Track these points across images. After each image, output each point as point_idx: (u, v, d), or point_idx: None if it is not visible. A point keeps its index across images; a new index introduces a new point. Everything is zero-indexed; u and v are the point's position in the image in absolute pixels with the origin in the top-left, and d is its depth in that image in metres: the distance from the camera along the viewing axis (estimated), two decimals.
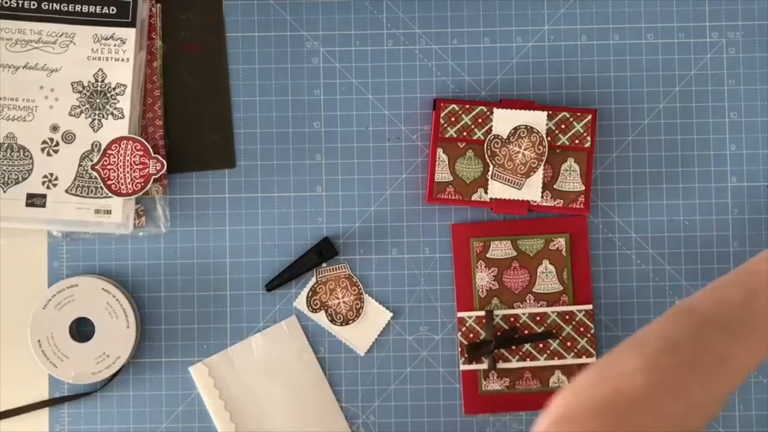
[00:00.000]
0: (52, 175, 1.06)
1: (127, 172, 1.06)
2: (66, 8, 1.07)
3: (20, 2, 1.07)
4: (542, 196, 1.07)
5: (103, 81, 1.07)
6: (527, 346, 1.07)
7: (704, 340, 0.81)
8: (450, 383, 1.08)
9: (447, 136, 1.07)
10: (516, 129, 1.07)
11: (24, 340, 1.05)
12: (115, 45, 1.07)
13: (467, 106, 1.07)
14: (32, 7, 1.07)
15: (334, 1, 1.10)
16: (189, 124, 1.09)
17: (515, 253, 1.08)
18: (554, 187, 1.07)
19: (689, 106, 1.10)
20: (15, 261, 1.08)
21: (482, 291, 1.08)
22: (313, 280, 1.08)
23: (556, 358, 1.07)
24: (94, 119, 1.07)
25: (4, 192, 1.06)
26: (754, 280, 0.87)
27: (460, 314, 1.08)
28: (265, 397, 1.07)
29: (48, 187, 1.06)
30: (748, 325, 0.83)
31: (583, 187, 1.07)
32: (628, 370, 0.78)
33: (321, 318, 1.08)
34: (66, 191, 1.06)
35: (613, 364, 0.80)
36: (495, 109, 1.07)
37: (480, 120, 1.07)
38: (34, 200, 1.06)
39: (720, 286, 0.87)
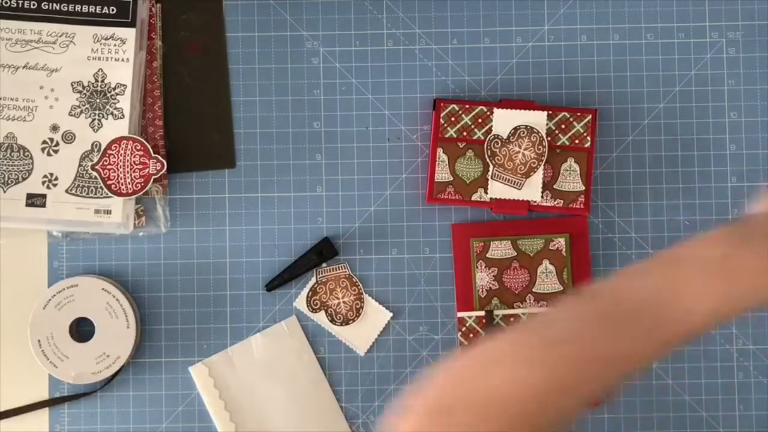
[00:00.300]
0: (52, 175, 1.06)
1: (127, 172, 1.06)
2: (66, 8, 1.07)
3: (20, 2, 1.07)
4: (542, 196, 1.07)
5: (103, 81, 1.07)
6: None
7: (601, 336, 0.77)
8: None
9: (447, 136, 1.07)
10: (516, 129, 1.07)
11: (24, 340, 1.05)
12: (115, 45, 1.07)
13: (467, 106, 1.07)
14: (32, 7, 1.07)
15: (334, 1, 1.10)
16: (189, 124, 1.09)
17: (515, 253, 1.08)
18: (554, 187, 1.07)
19: (689, 106, 1.10)
20: (15, 261, 1.08)
21: (482, 291, 1.08)
22: (313, 280, 1.08)
23: None
24: (94, 119, 1.07)
25: (4, 192, 1.06)
26: (672, 273, 0.81)
27: (460, 314, 1.08)
28: (265, 397, 1.07)
29: (48, 187, 1.06)
30: (652, 324, 0.79)
31: (583, 187, 1.07)
32: (516, 363, 0.75)
33: (321, 318, 1.08)
34: (66, 191, 1.06)
35: (500, 353, 0.76)
36: (495, 109, 1.07)
37: (480, 120, 1.07)
38: (34, 200, 1.06)
39: (638, 273, 0.81)
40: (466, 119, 1.07)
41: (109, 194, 1.06)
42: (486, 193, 1.07)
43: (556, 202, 1.07)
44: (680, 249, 0.82)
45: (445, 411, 0.74)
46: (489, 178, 1.07)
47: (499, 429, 0.73)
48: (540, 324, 0.79)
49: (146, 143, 1.06)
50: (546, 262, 1.08)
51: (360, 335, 1.08)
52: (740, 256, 0.80)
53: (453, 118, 1.07)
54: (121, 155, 1.06)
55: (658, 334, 0.79)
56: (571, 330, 0.78)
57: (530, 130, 1.07)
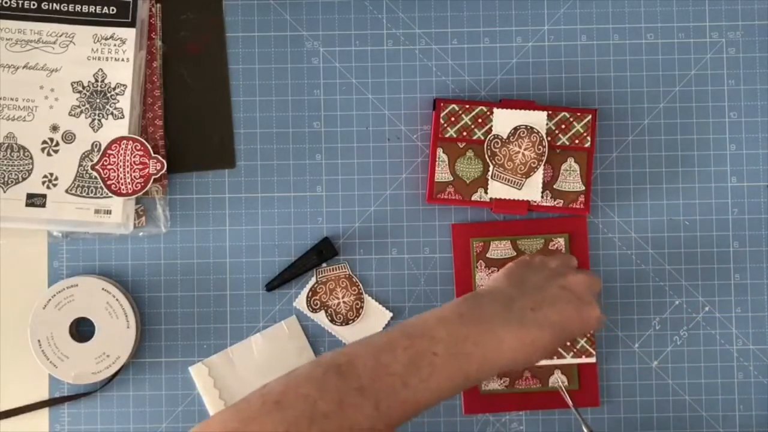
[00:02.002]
0: (52, 175, 1.06)
1: (127, 172, 1.06)
2: (66, 8, 1.07)
3: (20, 2, 1.07)
4: (542, 196, 1.07)
5: (103, 81, 1.07)
6: None
7: (349, 413, 0.80)
8: None
9: (447, 136, 1.07)
10: (516, 129, 1.07)
11: (24, 340, 1.05)
12: (115, 45, 1.07)
13: (467, 106, 1.07)
14: (32, 7, 1.07)
15: (334, 1, 1.10)
16: (189, 124, 1.09)
17: (515, 253, 1.08)
18: (554, 187, 1.07)
19: (689, 106, 1.10)
20: (15, 261, 1.08)
21: None
22: (313, 280, 1.08)
23: (555, 357, 1.07)
24: (94, 119, 1.07)
25: (4, 192, 1.06)
26: (419, 347, 0.85)
27: None
28: None
29: (48, 187, 1.06)
30: (398, 400, 0.82)
31: (583, 187, 1.07)
32: None
33: (321, 318, 1.08)
34: (66, 191, 1.06)
35: (254, 420, 0.78)
36: (495, 109, 1.07)
37: (480, 120, 1.07)
38: (34, 200, 1.06)
39: (387, 347, 0.85)
40: (466, 119, 1.07)
41: (109, 194, 1.06)
42: (486, 193, 1.07)
43: (556, 202, 1.07)
44: (419, 323, 0.88)
45: None
46: (489, 178, 1.07)
47: None
48: (297, 398, 0.80)
49: (146, 143, 1.06)
50: None
51: (360, 335, 1.08)
52: (468, 335, 0.87)
53: (453, 118, 1.07)
54: (121, 155, 1.06)
55: (404, 406, 0.83)
56: (331, 406, 0.80)
57: (530, 130, 1.07)
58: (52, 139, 1.06)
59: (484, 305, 0.90)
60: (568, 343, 1.07)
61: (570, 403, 1.04)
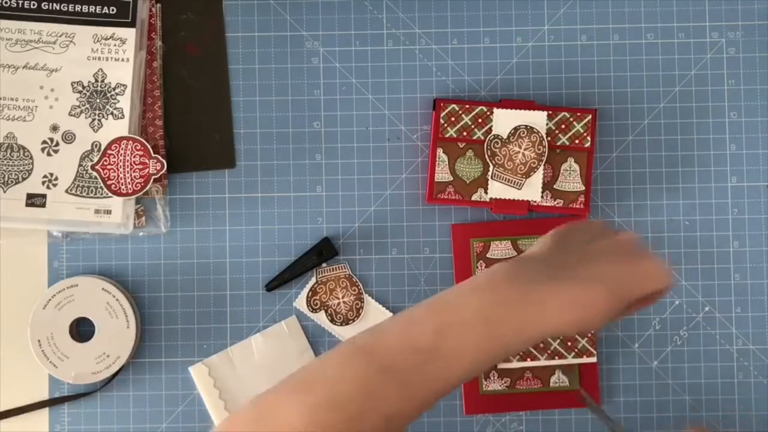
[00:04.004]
0: (52, 175, 1.06)
1: (127, 172, 1.06)
2: (66, 8, 1.07)
3: (20, 2, 1.07)
4: (542, 196, 1.07)
5: (103, 81, 1.07)
6: None
7: (374, 395, 0.75)
8: None
9: (447, 136, 1.07)
10: (516, 129, 1.07)
11: (24, 340, 1.05)
12: (115, 45, 1.07)
13: (467, 106, 1.07)
14: (32, 7, 1.07)
15: (334, 1, 1.10)
16: (189, 124, 1.09)
17: (515, 253, 1.08)
18: (554, 187, 1.07)
19: (689, 106, 1.10)
20: (15, 261, 1.08)
21: None
22: (313, 280, 1.08)
23: (556, 357, 1.07)
24: (94, 119, 1.07)
25: (4, 192, 1.06)
26: (446, 318, 0.78)
27: None
28: None
29: (48, 187, 1.06)
30: (425, 378, 0.77)
31: (583, 187, 1.07)
32: (287, 422, 0.74)
33: (321, 318, 1.08)
34: (66, 191, 1.06)
35: (274, 408, 0.75)
36: (495, 109, 1.07)
37: (480, 120, 1.07)
38: (34, 200, 1.06)
39: (411, 322, 0.79)
40: (466, 119, 1.07)
41: (109, 194, 1.06)
42: (486, 193, 1.07)
43: (556, 202, 1.07)
44: (448, 294, 0.80)
45: None
46: (489, 178, 1.07)
47: None
48: (318, 382, 0.76)
49: (146, 143, 1.06)
50: None
51: None
52: (504, 300, 0.79)
53: (453, 118, 1.07)
54: (121, 155, 1.06)
55: (432, 385, 0.77)
56: (354, 388, 0.75)
57: (530, 130, 1.07)
58: (52, 139, 1.06)
59: (522, 267, 0.81)
60: (569, 343, 1.07)
61: (595, 405, 1.04)
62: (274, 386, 0.77)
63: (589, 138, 1.07)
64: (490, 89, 1.10)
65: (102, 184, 1.06)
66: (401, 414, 0.76)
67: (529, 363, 1.07)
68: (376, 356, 0.77)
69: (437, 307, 0.79)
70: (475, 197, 1.07)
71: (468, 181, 1.07)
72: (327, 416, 0.74)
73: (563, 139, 1.07)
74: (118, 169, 1.06)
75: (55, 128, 1.07)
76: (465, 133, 1.07)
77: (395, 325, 0.79)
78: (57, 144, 1.06)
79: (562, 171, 1.07)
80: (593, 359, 1.07)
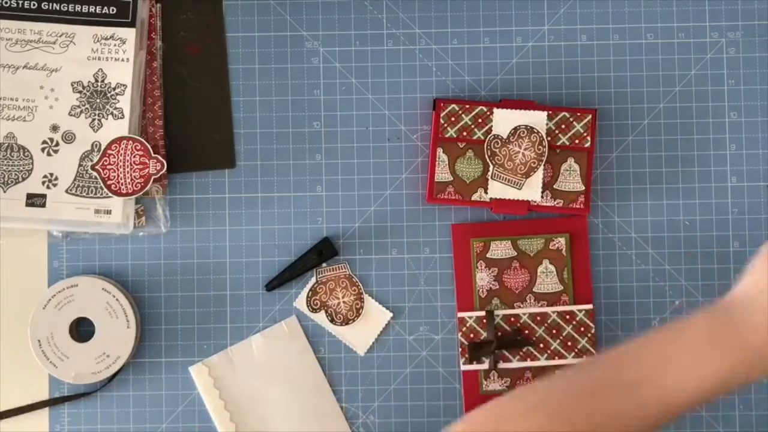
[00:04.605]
0: (52, 175, 1.06)
1: (127, 172, 1.06)
2: (66, 8, 1.07)
3: (20, 2, 1.07)
4: (542, 196, 1.07)
5: (103, 81, 1.07)
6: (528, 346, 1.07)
7: (604, 394, 0.80)
8: (450, 383, 1.08)
9: (447, 136, 1.07)
10: (516, 129, 1.07)
11: (24, 340, 1.05)
12: (115, 45, 1.07)
13: (467, 106, 1.07)
14: (32, 7, 1.07)
15: (334, 1, 1.10)
16: (189, 124, 1.09)
17: (515, 253, 1.08)
18: (554, 187, 1.07)
19: (689, 106, 1.10)
20: (15, 261, 1.08)
21: (482, 291, 1.08)
22: (313, 280, 1.08)
23: (556, 358, 1.07)
24: (94, 119, 1.07)
25: (4, 192, 1.06)
26: (663, 350, 0.82)
27: (460, 314, 1.08)
28: (265, 397, 1.07)
29: (48, 187, 1.06)
30: (645, 400, 0.80)
31: (583, 187, 1.07)
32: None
33: (321, 318, 1.08)
34: (66, 191, 1.06)
35: (511, 418, 0.78)
36: (495, 109, 1.07)
37: (480, 120, 1.07)
38: (34, 200, 1.06)
39: (635, 349, 0.83)
40: (466, 119, 1.07)
41: (109, 194, 1.06)
42: (486, 193, 1.07)
43: (556, 202, 1.07)
44: (672, 327, 0.83)
45: None
46: (489, 178, 1.07)
47: None
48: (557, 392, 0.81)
49: (146, 143, 1.06)
50: (546, 262, 1.08)
51: (360, 335, 1.08)
52: (729, 332, 0.81)
53: (453, 118, 1.07)
54: (121, 155, 1.06)
55: (649, 410, 0.80)
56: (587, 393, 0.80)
57: (530, 130, 1.07)
58: (52, 139, 1.06)
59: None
60: (569, 343, 1.07)
61: None
62: (501, 400, 0.81)
63: (589, 138, 1.07)
64: (490, 89, 1.10)
65: (102, 184, 1.06)
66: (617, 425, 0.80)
67: (529, 363, 1.07)
68: (601, 369, 0.82)
69: (659, 337, 0.83)
70: (475, 197, 1.07)
71: (468, 181, 1.07)
72: (565, 416, 0.78)
73: (563, 139, 1.07)
74: (118, 169, 1.06)
75: (55, 128, 1.07)
76: (465, 133, 1.07)
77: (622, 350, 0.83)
78: (57, 144, 1.06)
79: (562, 171, 1.07)
80: None
